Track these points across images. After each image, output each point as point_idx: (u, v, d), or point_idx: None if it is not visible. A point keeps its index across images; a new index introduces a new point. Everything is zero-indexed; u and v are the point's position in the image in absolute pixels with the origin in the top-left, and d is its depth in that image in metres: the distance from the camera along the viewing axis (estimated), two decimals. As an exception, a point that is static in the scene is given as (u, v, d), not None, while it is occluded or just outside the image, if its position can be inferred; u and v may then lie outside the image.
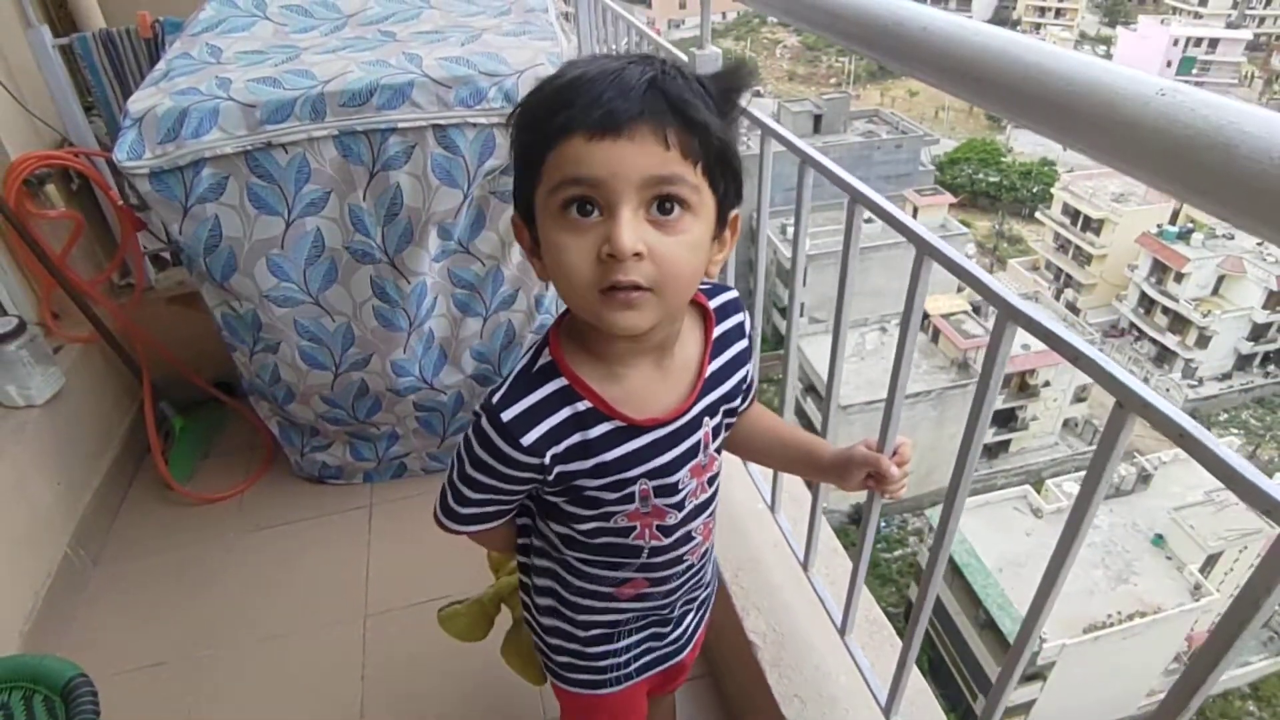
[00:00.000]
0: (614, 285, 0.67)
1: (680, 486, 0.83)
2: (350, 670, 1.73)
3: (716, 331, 0.84)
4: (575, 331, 0.78)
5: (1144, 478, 17.97)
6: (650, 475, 0.81)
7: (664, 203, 0.67)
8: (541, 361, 0.78)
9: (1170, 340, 24.49)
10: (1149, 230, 25.19)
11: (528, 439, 0.75)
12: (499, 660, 1.24)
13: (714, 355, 0.84)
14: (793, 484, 1.45)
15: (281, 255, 1.71)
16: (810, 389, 19.95)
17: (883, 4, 0.80)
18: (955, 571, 16.95)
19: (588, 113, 0.64)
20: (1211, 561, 16.25)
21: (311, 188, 1.67)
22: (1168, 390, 23.22)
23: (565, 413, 0.76)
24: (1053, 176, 32.46)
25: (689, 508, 0.86)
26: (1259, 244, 23.29)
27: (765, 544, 1.45)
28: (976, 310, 20.43)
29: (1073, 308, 27.82)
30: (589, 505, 0.82)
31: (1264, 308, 22.92)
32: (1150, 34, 37.67)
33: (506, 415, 0.75)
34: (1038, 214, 31.34)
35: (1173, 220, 25.37)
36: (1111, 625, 15.21)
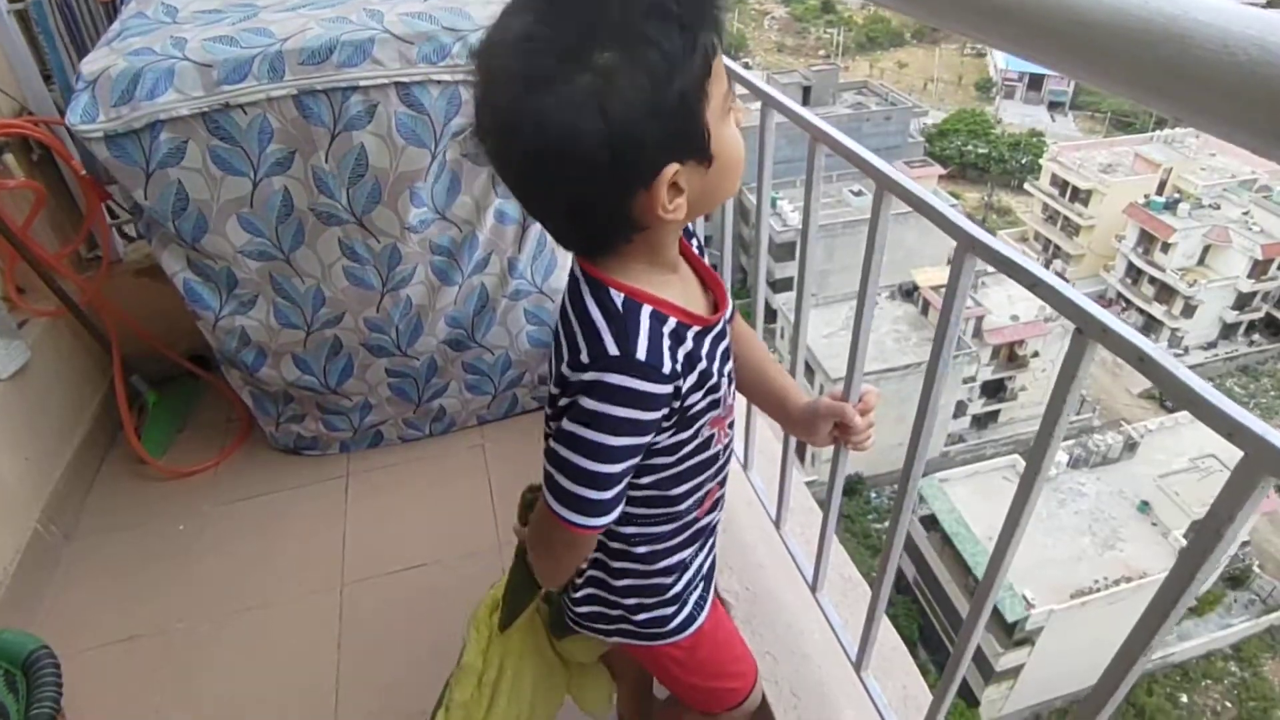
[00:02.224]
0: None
1: (730, 375, 0.86)
2: (327, 640, 1.72)
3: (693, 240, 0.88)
4: (624, 262, 0.75)
5: (1130, 446, 18.15)
6: (719, 370, 0.81)
7: None
8: (619, 301, 0.73)
9: (1157, 310, 24.61)
10: (1136, 201, 25.21)
11: (667, 365, 0.72)
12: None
13: (702, 255, 0.87)
14: (767, 444, 1.43)
15: (252, 213, 1.68)
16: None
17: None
18: (945, 541, 17.14)
19: (716, 14, 0.65)
20: (1196, 527, 16.44)
21: (275, 147, 1.63)
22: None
23: (667, 331, 0.74)
24: (1041, 148, 32.41)
25: (734, 398, 0.89)
26: (1245, 213, 23.38)
27: (739, 503, 1.43)
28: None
29: (1061, 277, 27.80)
30: (688, 427, 0.81)
31: (1249, 277, 23.04)
32: None
33: (640, 354, 0.71)
34: (1026, 185, 31.31)
35: (1159, 191, 25.40)
36: (1099, 591, 15.43)
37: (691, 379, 0.76)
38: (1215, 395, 0.50)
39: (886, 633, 1.08)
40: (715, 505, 0.96)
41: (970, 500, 16.93)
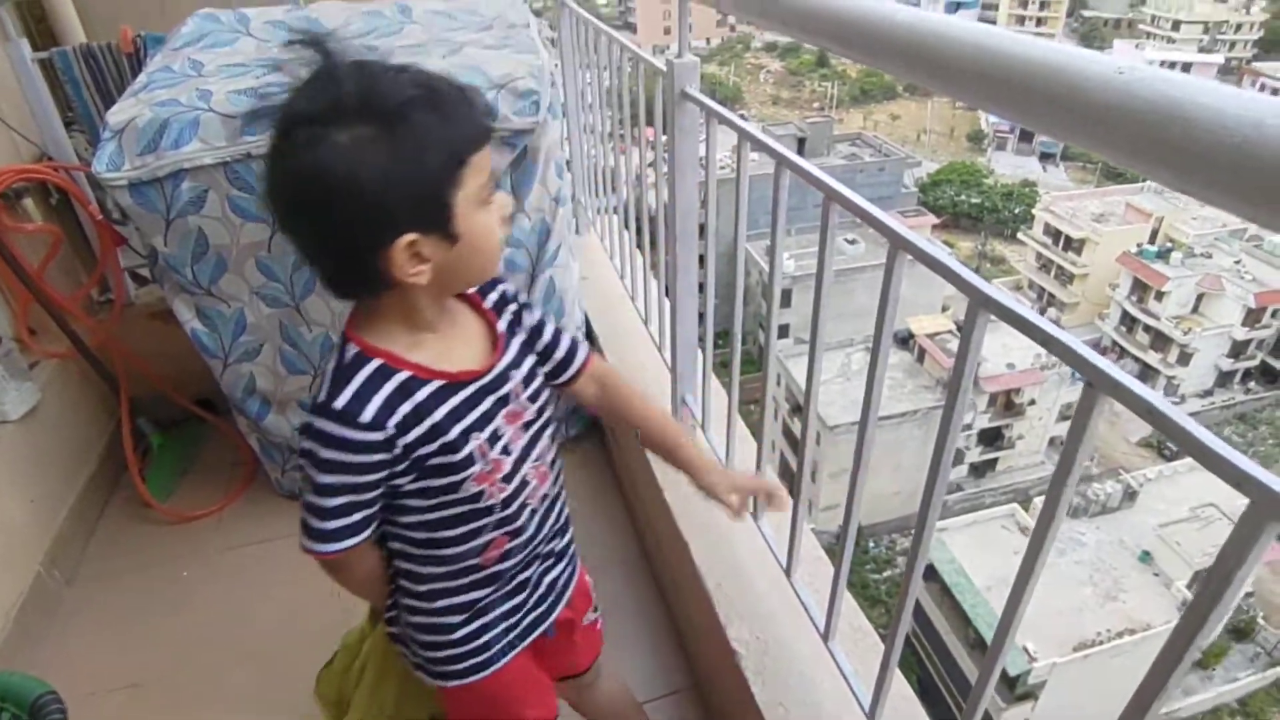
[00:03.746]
0: (505, 243, 0.87)
1: (500, 433, 0.91)
2: (329, 688, 1.70)
3: (488, 299, 0.95)
4: (370, 324, 0.84)
5: (1129, 495, 18.07)
6: (477, 427, 0.88)
7: None
8: (350, 354, 0.83)
9: (1152, 358, 24.73)
10: (1129, 250, 25.54)
11: (365, 415, 0.80)
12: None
13: (497, 314, 0.94)
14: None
15: (270, 258, 1.72)
16: (797, 409, 19.97)
17: (855, 3, 0.81)
18: (944, 591, 16.92)
19: (485, 126, 0.79)
20: (1199, 578, 16.28)
21: (292, 199, 1.66)
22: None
23: (389, 387, 0.82)
24: (1034, 197, 32.92)
25: (515, 453, 0.93)
26: (1236, 262, 23.67)
27: (749, 552, 1.44)
28: (960, 328, 20.56)
29: (1056, 324, 28.03)
30: (441, 475, 0.87)
31: (1243, 325, 23.22)
32: (1125, 57, 38.39)
33: (338, 403, 0.80)
34: (1019, 234, 31.73)
35: (1152, 239, 25.75)
36: (1101, 643, 15.20)
37: (418, 431, 0.83)
38: (1222, 446, 0.52)
39: (898, 683, 1.08)
40: (507, 555, 0.98)
41: (969, 550, 16.77)
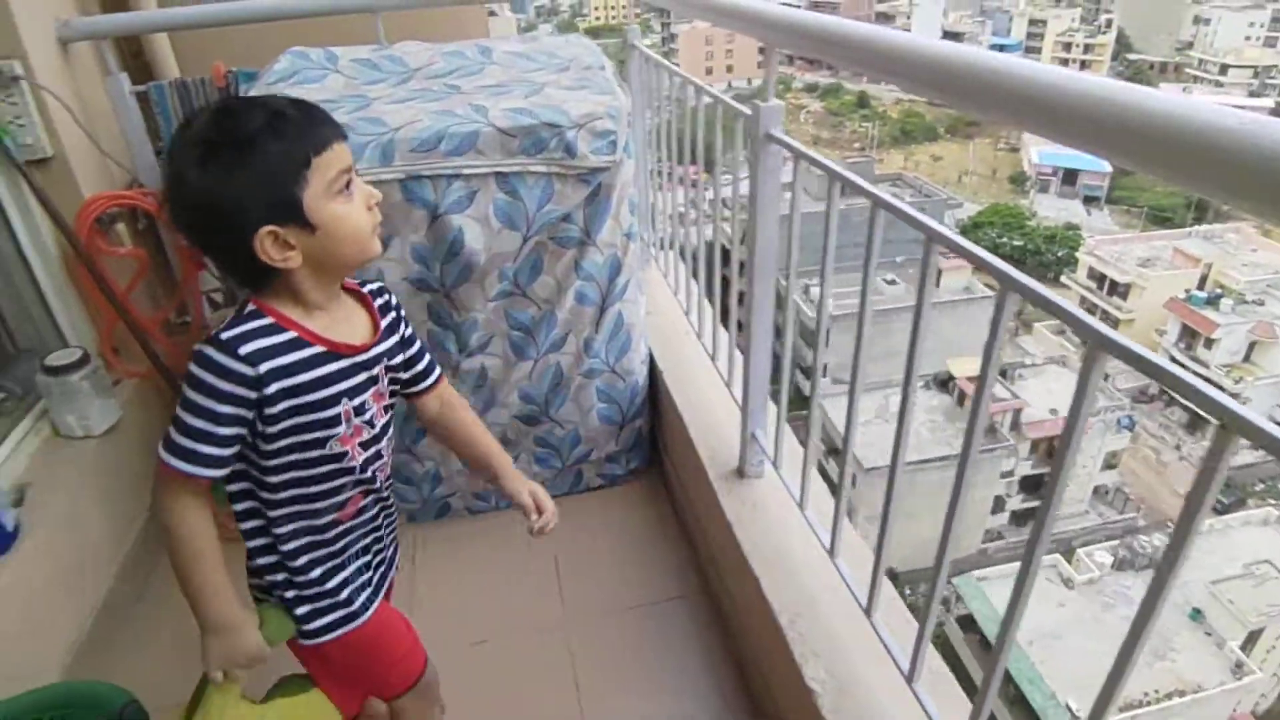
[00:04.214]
0: (376, 223, 1.01)
1: (367, 407, 1.07)
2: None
3: (376, 302, 1.11)
4: (274, 294, 0.99)
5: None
6: (348, 395, 1.03)
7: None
8: (249, 309, 0.98)
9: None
10: (1176, 295, 24.99)
11: (245, 349, 0.93)
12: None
13: (382, 314, 1.11)
14: (850, 531, 1.43)
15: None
16: (833, 450, 19.73)
17: (955, 51, 0.83)
18: (983, 644, 16.41)
19: (331, 129, 0.95)
20: (1254, 638, 15.61)
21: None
22: (1202, 458, 22.64)
23: (274, 339, 0.96)
24: (1078, 240, 32.47)
25: (377, 426, 1.10)
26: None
27: (822, 589, 1.42)
28: (1004, 374, 20.25)
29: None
30: (308, 431, 1.01)
31: (1299, 375, 22.50)
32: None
33: (225, 335, 0.94)
34: (1063, 278, 31.25)
35: (1200, 285, 25.17)
36: (1149, 705, 14.57)
37: (290, 382, 0.97)
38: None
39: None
40: (360, 512, 1.15)
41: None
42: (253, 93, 1.88)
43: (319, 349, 0.99)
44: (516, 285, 1.84)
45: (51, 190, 2.06)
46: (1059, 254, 32.95)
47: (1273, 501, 22.11)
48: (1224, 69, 41.18)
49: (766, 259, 1.47)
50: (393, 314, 1.14)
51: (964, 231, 33.49)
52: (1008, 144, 43.38)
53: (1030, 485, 21.01)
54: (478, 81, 1.89)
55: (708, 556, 1.91)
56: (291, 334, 0.97)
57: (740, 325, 1.66)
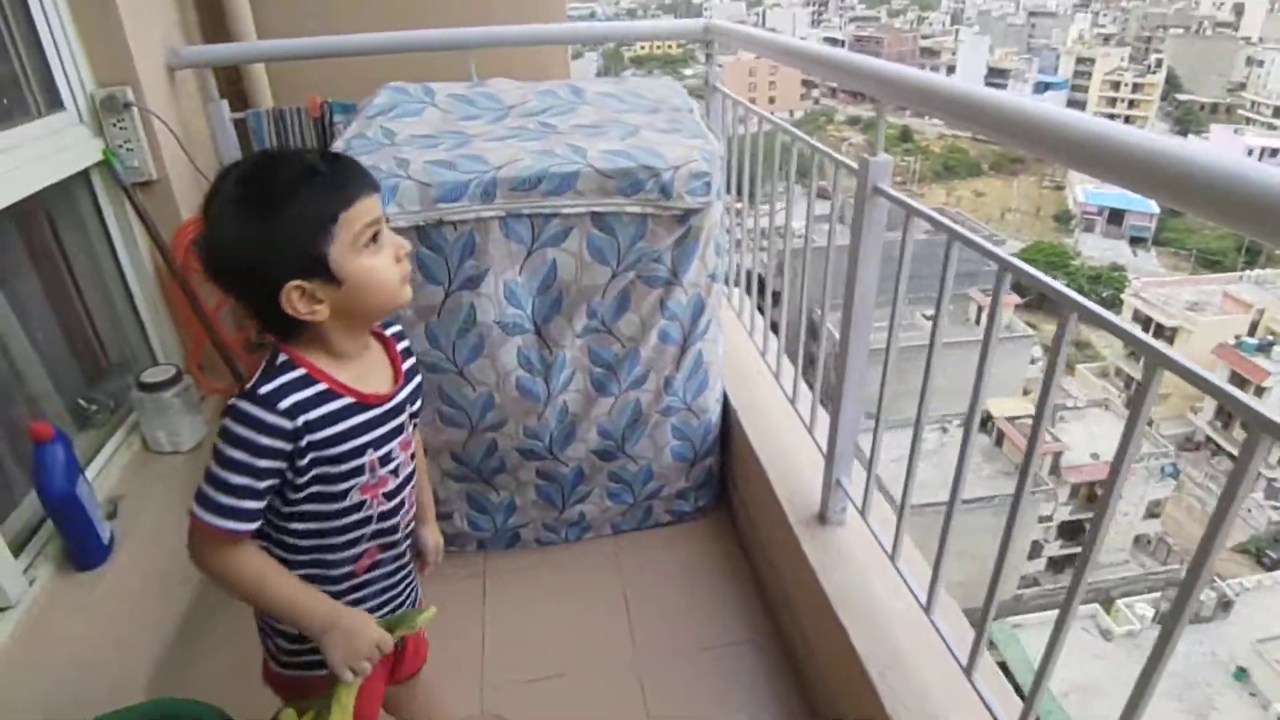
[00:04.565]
0: (407, 274, 1.02)
1: (393, 456, 1.08)
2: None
3: (398, 346, 1.12)
4: (304, 344, 0.99)
5: (1224, 604, 16.85)
6: (375, 445, 1.04)
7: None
8: (280, 359, 0.98)
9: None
10: (1226, 341, 24.39)
11: (284, 404, 0.94)
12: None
13: (403, 358, 1.12)
14: (948, 588, 1.41)
15: (438, 324, 1.80)
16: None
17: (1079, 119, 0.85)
18: (1016, 692, 15.94)
19: (360, 183, 0.96)
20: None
21: (472, 264, 1.76)
22: (1249, 510, 21.97)
23: (308, 391, 0.96)
24: (1123, 282, 31.94)
25: (401, 476, 1.11)
26: (1349, 361, 22.28)
27: (913, 645, 1.40)
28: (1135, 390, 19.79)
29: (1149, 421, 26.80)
30: (332, 483, 1.01)
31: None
32: (1224, 144, 37.40)
33: (263, 389, 0.94)
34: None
35: (1251, 332, 24.55)
36: (1191, 764, 14.03)
37: (324, 434, 0.97)
38: None
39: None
40: (375, 566, 1.14)
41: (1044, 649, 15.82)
42: (354, 125, 1.94)
43: (348, 400, 1.00)
44: (603, 323, 1.86)
45: (153, 211, 2.14)
46: (1104, 295, 32.39)
47: (1325, 559, 21.34)
48: (1277, 111, 40.39)
49: (865, 309, 1.48)
50: (412, 358, 1.15)
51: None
52: (1053, 181, 42.93)
53: (1069, 531, 20.50)
54: (572, 121, 1.93)
55: (781, 600, 1.89)
56: (322, 386, 0.98)
57: (815, 363, 1.66)
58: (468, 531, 2.16)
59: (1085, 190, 38.37)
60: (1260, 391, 22.78)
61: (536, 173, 1.69)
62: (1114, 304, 31.10)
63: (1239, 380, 23.56)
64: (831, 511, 1.71)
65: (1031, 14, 58.75)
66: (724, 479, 2.31)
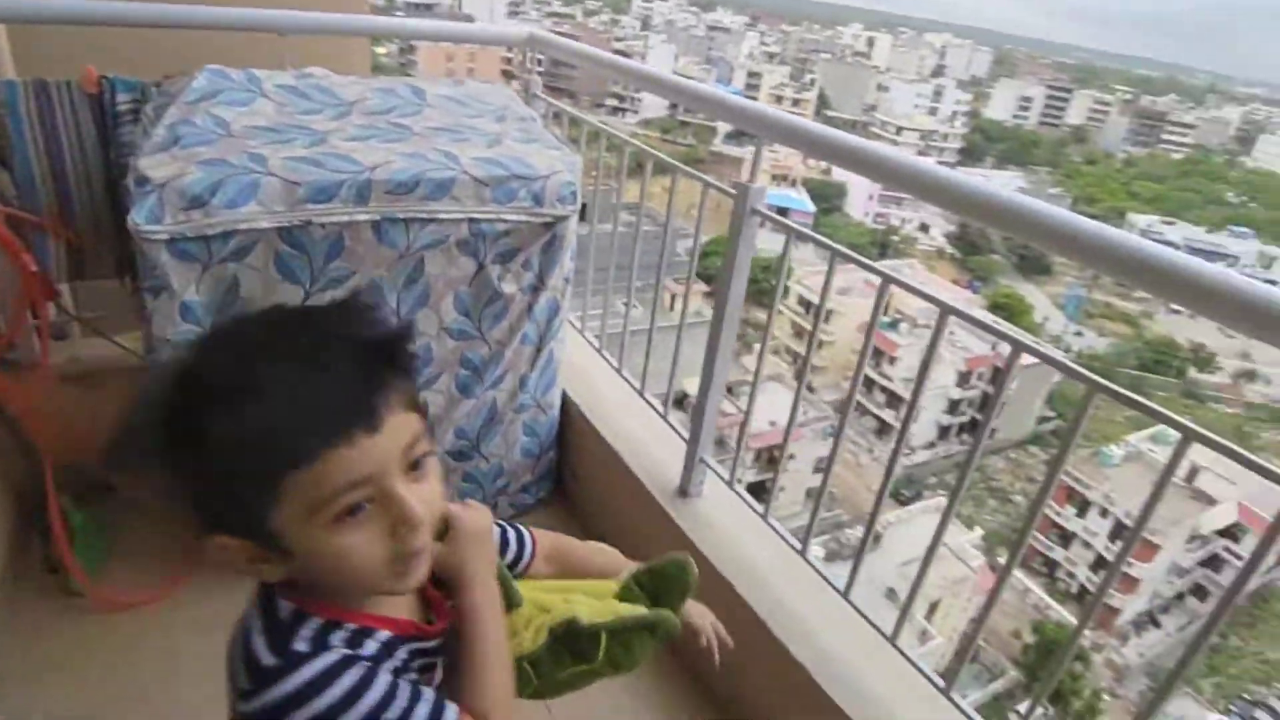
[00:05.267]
0: (413, 554, 0.69)
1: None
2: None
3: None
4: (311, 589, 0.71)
5: (876, 538, 20.46)
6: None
7: (417, 460, 0.69)
8: (287, 608, 0.71)
9: (888, 415, 28.45)
10: (865, 320, 29.37)
11: (336, 639, 0.70)
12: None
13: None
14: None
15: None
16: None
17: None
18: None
19: (340, 420, 0.63)
20: (935, 608, 18.77)
21: (338, 264, 1.69)
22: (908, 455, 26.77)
23: (341, 633, 0.71)
24: (790, 272, 36.78)
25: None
26: (950, 333, 28.12)
27: (789, 586, 1.67)
28: (730, 390, 22.28)
29: (810, 388, 31.40)
30: None
31: (957, 386, 27.54)
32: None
33: (298, 646, 0.68)
34: (778, 305, 35.14)
35: (885, 312, 29.83)
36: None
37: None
38: None
39: None
40: None
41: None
42: (172, 110, 1.71)
43: (386, 635, 0.74)
44: (476, 327, 1.89)
45: None
46: (773, 282, 37.05)
47: (942, 491, 26.70)
48: (900, 130, 49.24)
49: (734, 315, 1.71)
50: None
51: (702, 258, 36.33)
52: (730, 180, 47.96)
53: (755, 491, 23.30)
54: (423, 123, 1.91)
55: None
56: (354, 625, 0.72)
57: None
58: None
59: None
60: (893, 361, 27.86)
61: (413, 176, 1.67)
62: (785, 291, 35.77)
63: (878, 352, 28.58)
64: (693, 485, 1.92)
65: (710, 28, 64.93)
66: (560, 470, 2.43)
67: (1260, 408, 30.90)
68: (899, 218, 41.61)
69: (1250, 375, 31.92)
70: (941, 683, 1.40)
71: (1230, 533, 21.23)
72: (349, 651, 0.69)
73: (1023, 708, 1.31)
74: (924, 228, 41.31)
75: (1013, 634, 20.73)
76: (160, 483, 0.66)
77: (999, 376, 27.37)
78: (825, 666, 1.51)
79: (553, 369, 2.14)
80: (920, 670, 1.43)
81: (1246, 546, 20.22)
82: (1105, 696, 19.31)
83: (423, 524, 0.69)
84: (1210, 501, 20.54)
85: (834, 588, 1.56)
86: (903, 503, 23.94)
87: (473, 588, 0.81)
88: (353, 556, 0.66)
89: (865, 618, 1.50)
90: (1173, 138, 51.93)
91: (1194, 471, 20.16)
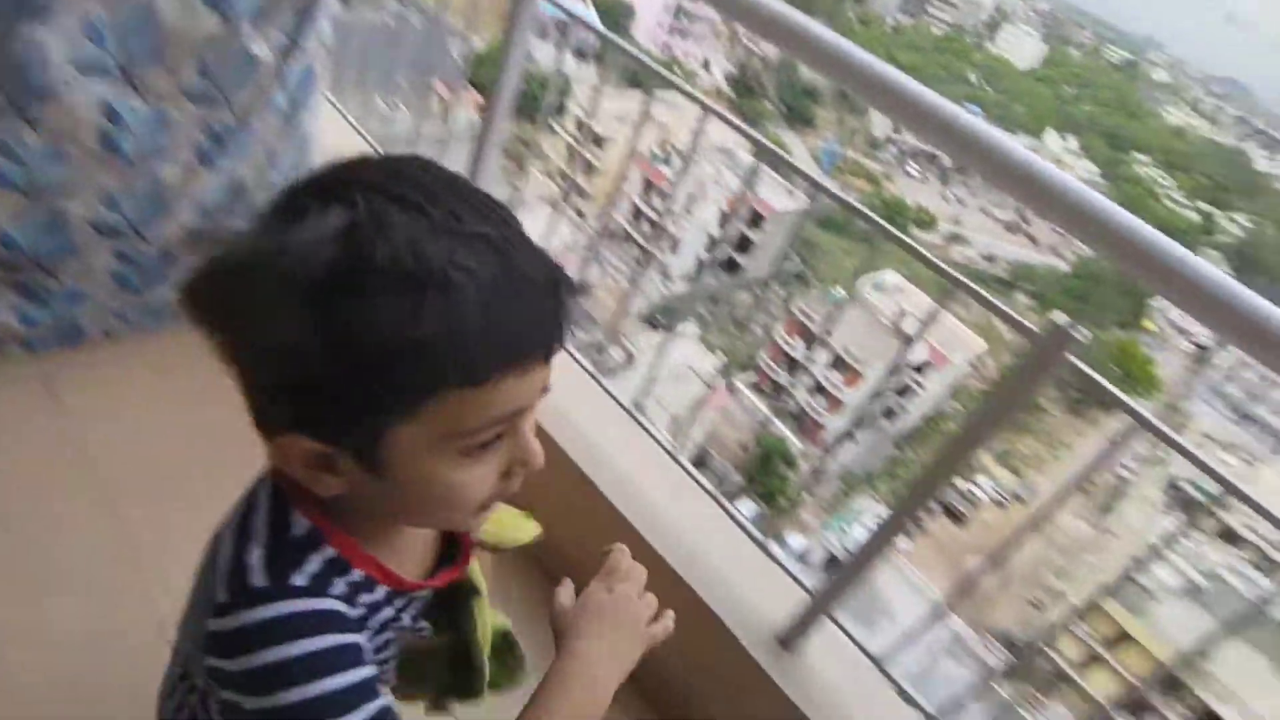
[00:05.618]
0: (505, 498, 0.65)
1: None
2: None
3: None
4: (338, 509, 0.64)
5: (630, 358, 21.98)
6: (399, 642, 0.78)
7: None
8: (301, 527, 0.64)
9: (651, 245, 29.64)
10: (642, 152, 29.70)
11: (335, 589, 0.64)
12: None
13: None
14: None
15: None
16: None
17: None
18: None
19: (527, 342, 0.56)
20: (675, 422, 20.79)
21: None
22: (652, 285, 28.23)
23: (349, 578, 0.65)
24: (569, 90, 35.62)
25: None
26: (715, 172, 29.35)
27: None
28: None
29: (580, 213, 31.56)
30: None
31: (718, 225, 29.18)
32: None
33: (296, 580, 0.61)
34: (553, 124, 34.16)
35: (660, 145, 30.25)
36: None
37: (382, 638, 0.71)
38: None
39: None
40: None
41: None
42: None
43: (384, 590, 0.68)
44: (219, 90, 1.66)
45: None
46: (550, 100, 35.71)
47: (693, 320, 28.86)
48: None
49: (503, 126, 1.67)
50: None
51: (474, 66, 33.84)
52: (512, -19, 44.20)
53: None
54: None
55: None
56: (360, 574, 0.65)
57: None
58: (15, 326, 1.79)
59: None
60: (663, 195, 28.64)
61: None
62: (559, 110, 34.78)
63: (648, 184, 29.21)
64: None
65: None
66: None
67: (962, 267, 36.58)
68: (682, 50, 41.31)
69: (958, 238, 37.29)
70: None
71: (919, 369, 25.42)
72: (341, 608, 0.62)
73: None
74: (706, 65, 41.49)
75: (740, 445, 23.69)
76: (254, 350, 0.55)
77: (758, 220, 29.39)
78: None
79: (307, 144, 1.97)
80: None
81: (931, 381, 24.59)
82: (805, 495, 23.05)
83: (540, 467, 0.64)
84: (909, 341, 24.30)
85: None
86: (653, 327, 25.63)
87: (574, 656, 0.72)
88: (466, 490, 0.61)
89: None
90: (937, 14, 55.54)
91: (902, 314, 23.49)
